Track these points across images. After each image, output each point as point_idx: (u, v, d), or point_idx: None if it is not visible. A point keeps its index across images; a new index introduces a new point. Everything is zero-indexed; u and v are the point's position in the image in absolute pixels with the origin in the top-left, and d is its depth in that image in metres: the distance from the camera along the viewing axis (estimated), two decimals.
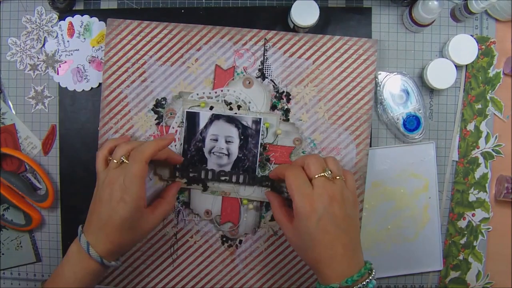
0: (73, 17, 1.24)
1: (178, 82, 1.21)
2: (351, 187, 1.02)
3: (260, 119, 1.20)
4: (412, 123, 1.22)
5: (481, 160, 1.27)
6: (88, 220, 1.05)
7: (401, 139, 1.24)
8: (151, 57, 1.21)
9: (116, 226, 1.01)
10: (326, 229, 0.95)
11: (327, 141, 1.21)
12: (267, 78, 1.21)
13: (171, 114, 1.21)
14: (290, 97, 1.21)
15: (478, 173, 1.27)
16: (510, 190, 1.23)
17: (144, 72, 1.21)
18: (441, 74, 1.20)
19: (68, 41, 1.24)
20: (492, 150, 1.26)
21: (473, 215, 1.28)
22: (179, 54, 1.21)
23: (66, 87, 1.24)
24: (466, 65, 1.24)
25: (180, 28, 1.21)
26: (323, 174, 0.99)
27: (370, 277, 0.94)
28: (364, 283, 0.93)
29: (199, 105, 1.20)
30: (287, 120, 1.21)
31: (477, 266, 1.28)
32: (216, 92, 1.21)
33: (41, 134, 1.26)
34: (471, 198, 1.27)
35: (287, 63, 1.21)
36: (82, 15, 1.24)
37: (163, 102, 1.21)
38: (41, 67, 1.23)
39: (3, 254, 1.26)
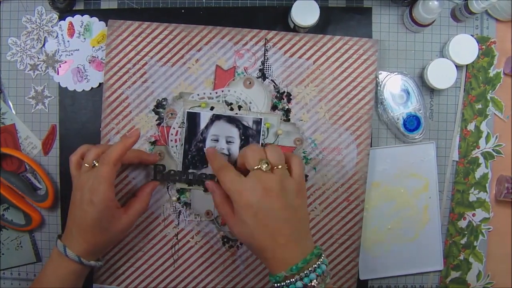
0: (73, 17, 1.24)
1: (179, 82, 1.21)
2: (295, 175, 1.00)
3: (261, 119, 1.20)
4: (412, 123, 1.22)
5: (481, 160, 1.27)
6: (66, 224, 1.08)
7: (401, 139, 1.25)
8: (152, 58, 1.21)
9: (88, 227, 1.04)
10: (264, 222, 0.95)
11: (328, 141, 1.21)
12: (267, 78, 1.21)
13: (171, 115, 1.21)
14: (291, 97, 1.21)
15: (478, 173, 1.27)
16: (510, 190, 1.23)
17: (145, 73, 1.21)
18: (442, 74, 1.20)
19: (68, 41, 1.24)
20: (493, 150, 1.27)
21: (474, 215, 1.28)
22: (179, 54, 1.21)
23: (66, 87, 1.24)
24: (467, 65, 1.24)
25: (180, 29, 1.21)
26: (258, 166, 0.98)
27: (319, 262, 0.93)
28: (311, 268, 0.92)
29: (199, 106, 1.20)
30: (288, 120, 1.21)
31: (477, 266, 1.28)
32: (216, 93, 1.21)
33: (41, 134, 1.26)
34: (472, 198, 1.27)
35: (288, 63, 1.21)
36: (82, 15, 1.24)
37: (164, 103, 1.21)
38: (41, 67, 1.23)
39: (3, 254, 1.26)
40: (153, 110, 1.22)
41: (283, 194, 0.96)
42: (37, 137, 1.26)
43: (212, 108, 1.20)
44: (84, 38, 1.23)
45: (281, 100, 1.21)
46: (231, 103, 1.21)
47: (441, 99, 1.26)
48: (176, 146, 1.21)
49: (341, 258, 1.23)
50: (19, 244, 1.26)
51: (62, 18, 1.24)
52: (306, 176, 1.22)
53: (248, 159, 1.00)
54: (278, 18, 1.24)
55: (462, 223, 1.28)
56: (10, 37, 1.24)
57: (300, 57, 1.22)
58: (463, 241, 1.28)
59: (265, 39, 1.21)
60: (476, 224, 1.28)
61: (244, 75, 1.21)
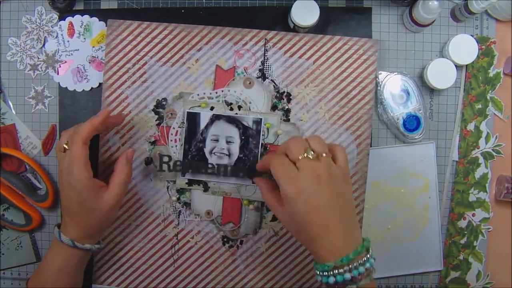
0: (73, 17, 1.24)
1: (179, 82, 1.21)
2: (341, 163, 0.99)
3: (261, 119, 1.20)
4: (412, 123, 1.22)
5: (481, 160, 1.27)
6: (61, 213, 1.10)
7: (401, 139, 1.25)
8: (151, 57, 1.21)
9: (75, 211, 1.05)
10: (315, 210, 0.93)
11: (327, 141, 1.21)
12: (267, 78, 1.22)
13: (171, 115, 1.21)
14: (291, 97, 1.21)
15: (478, 173, 1.28)
16: (510, 190, 1.23)
17: (144, 72, 1.21)
18: (441, 74, 1.20)
19: (68, 41, 1.24)
20: (492, 150, 1.27)
21: (473, 215, 1.28)
22: (179, 54, 1.21)
23: (66, 87, 1.24)
24: (466, 65, 1.24)
25: (180, 29, 1.21)
26: (305, 154, 0.96)
27: (368, 255, 0.93)
28: (361, 261, 0.92)
29: (199, 106, 1.20)
30: (288, 120, 1.21)
31: (477, 266, 1.28)
32: (216, 93, 1.21)
33: (41, 134, 1.26)
34: (471, 198, 1.27)
35: (288, 63, 1.21)
36: (82, 15, 1.24)
37: (164, 103, 1.21)
38: (41, 67, 1.23)
39: (3, 254, 1.26)
40: (153, 110, 1.22)
41: (332, 181, 0.95)
42: (37, 137, 1.25)
43: (212, 108, 1.21)
44: (84, 38, 1.23)
45: (281, 100, 1.21)
46: (231, 103, 1.21)
47: (441, 99, 1.26)
48: (176, 146, 1.21)
49: None
50: (19, 244, 1.26)
51: (62, 18, 1.24)
52: None
53: (292, 150, 0.98)
54: (278, 18, 1.24)
55: (462, 223, 1.28)
56: (10, 37, 1.24)
57: (300, 57, 1.22)
58: (462, 241, 1.28)
59: (265, 39, 1.21)
60: (476, 224, 1.28)
61: (244, 75, 1.21)
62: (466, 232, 1.28)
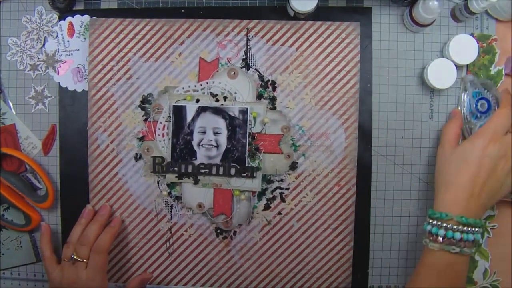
0: (73, 17, 1.24)
1: (163, 77, 1.22)
2: None
3: (247, 108, 1.19)
4: None
5: None
6: None
7: None
8: (135, 54, 1.22)
9: None
10: (481, 169, 1.01)
11: (315, 127, 1.21)
12: (251, 67, 1.21)
13: (158, 110, 1.21)
14: (276, 85, 1.21)
15: None
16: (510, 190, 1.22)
17: (129, 69, 1.22)
18: (442, 74, 1.19)
19: (68, 41, 1.25)
20: None
21: None
22: (162, 49, 1.22)
23: (66, 87, 1.25)
24: (467, 65, 1.23)
25: (162, 24, 1.22)
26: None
27: (479, 230, 1.00)
28: (473, 230, 0.99)
29: (185, 99, 1.21)
30: (274, 108, 1.21)
31: (483, 264, 1.26)
32: (201, 85, 1.21)
33: (41, 134, 1.26)
34: None
35: (271, 52, 1.21)
36: (82, 15, 1.24)
37: (150, 98, 1.22)
38: (41, 67, 1.24)
39: (3, 254, 1.27)
40: (139, 106, 1.22)
41: (507, 171, 1.04)
42: (37, 137, 1.26)
43: (197, 101, 1.21)
44: (84, 38, 1.24)
45: (266, 89, 1.21)
46: (216, 94, 1.21)
47: (441, 99, 1.25)
48: (164, 140, 1.22)
49: (335, 243, 1.23)
50: (19, 244, 1.27)
51: (62, 18, 1.25)
52: (296, 163, 1.22)
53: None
54: (277, 18, 1.23)
55: None
56: (10, 37, 1.25)
57: (282, 44, 1.21)
58: None
59: (247, 28, 1.21)
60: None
61: (228, 66, 1.21)
62: None
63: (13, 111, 1.26)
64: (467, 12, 1.18)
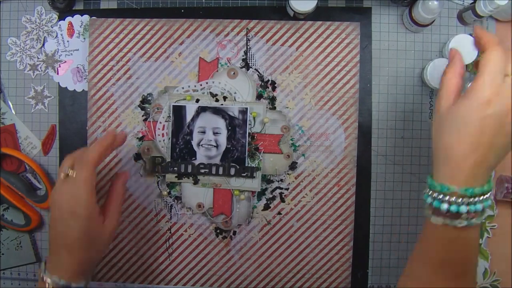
0: (73, 17, 1.25)
1: (163, 77, 1.22)
2: None
3: (247, 108, 1.20)
4: None
5: None
6: (49, 250, 1.01)
7: None
8: (134, 54, 1.22)
9: (76, 243, 0.96)
10: (484, 130, 0.84)
11: (315, 127, 1.21)
12: (251, 67, 1.22)
13: (157, 109, 1.21)
14: (276, 85, 1.21)
15: None
16: (510, 190, 1.21)
17: (128, 69, 1.22)
18: (441, 74, 1.18)
19: (68, 41, 1.25)
20: None
21: None
22: (162, 49, 1.22)
23: (66, 87, 1.25)
24: (467, 65, 1.23)
25: (162, 23, 1.22)
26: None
27: (488, 195, 0.86)
28: (480, 199, 0.84)
29: (185, 99, 1.21)
30: (274, 108, 1.22)
31: (483, 264, 1.26)
32: (201, 85, 1.21)
33: (41, 134, 1.26)
34: None
35: (271, 52, 1.22)
36: (82, 15, 1.25)
37: (149, 98, 1.22)
38: (41, 67, 1.25)
39: (3, 254, 1.27)
40: (139, 105, 1.23)
41: None
42: (37, 137, 1.26)
43: (197, 101, 1.21)
44: (84, 38, 1.24)
45: (266, 89, 1.21)
46: (216, 94, 1.21)
47: None
48: (164, 140, 1.22)
49: (334, 243, 1.23)
50: (19, 244, 1.27)
51: (61, 18, 1.25)
52: (295, 163, 1.22)
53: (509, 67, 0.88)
54: (277, 18, 1.24)
55: None
56: (10, 37, 1.25)
57: (282, 44, 1.22)
58: None
59: (247, 28, 1.21)
60: (481, 222, 1.26)
61: (228, 66, 1.22)
62: None
63: (13, 111, 1.26)
64: (475, 15, 1.17)
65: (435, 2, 1.13)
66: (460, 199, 0.84)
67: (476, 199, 0.84)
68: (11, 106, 1.26)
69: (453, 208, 0.84)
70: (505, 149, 0.88)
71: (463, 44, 1.17)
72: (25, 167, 1.26)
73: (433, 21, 1.20)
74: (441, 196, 0.85)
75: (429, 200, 0.88)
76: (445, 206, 0.84)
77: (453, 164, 0.86)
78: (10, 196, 1.23)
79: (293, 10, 1.17)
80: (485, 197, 0.85)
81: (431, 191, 0.88)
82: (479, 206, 0.84)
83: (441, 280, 0.89)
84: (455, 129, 0.87)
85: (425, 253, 0.92)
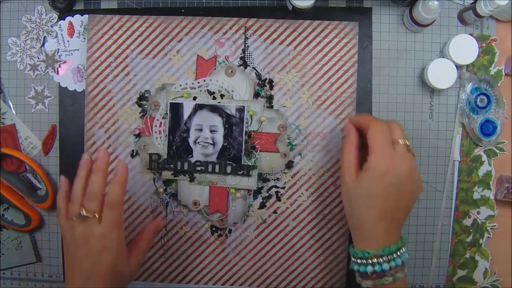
0: (73, 16, 1.25)
1: (161, 74, 1.22)
2: None
3: (244, 107, 1.19)
4: (488, 127, 1.21)
5: (484, 157, 1.25)
6: (70, 283, 1.00)
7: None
8: (133, 50, 1.22)
9: (105, 275, 0.98)
10: (387, 197, 0.95)
11: (312, 126, 1.21)
12: (249, 66, 1.22)
13: (155, 106, 1.22)
14: (273, 83, 1.21)
15: (481, 171, 1.25)
16: (510, 190, 1.20)
17: (126, 66, 1.22)
18: (442, 74, 1.19)
19: (68, 41, 1.25)
20: (495, 147, 1.24)
21: (478, 213, 1.26)
22: (160, 46, 1.22)
23: (66, 87, 1.25)
24: (467, 65, 1.22)
25: (160, 21, 1.22)
26: (406, 142, 0.98)
27: (403, 249, 0.96)
28: (398, 254, 0.95)
29: (182, 96, 1.21)
30: (271, 107, 1.21)
31: (484, 264, 1.25)
32: (198, 82, 1.21)
33: (41, 134, 1.27)
34: (476, 196, 1.25)
35: (269, 50, 1.21)
36: (82, 15, 1.25)
37: (147, 95, 1.22)
38: (41, 67, 1.25)
39: (3, 254, 1.27)
40: (136, 102, 1.23)
41: (414, 181, 1.00)
42: (37, 137, 1.27)
43: (194, 98, 1.21)
44: (84, 38, 1.24)
45: (263, 87, 1.21)
46: (214, 92, 1.21)
47: (441, 99, 1.25)
48: (161, 137, 1.22)
49: (330, 242, 1.23)
50: (19, 244, 1.27)
51: (61, 17, 1.25)
52: (292, 162, 1.22)
53: (396, 131, 1.00)
54: (276, 17, 1.23)
55: (467, 221, 1.25)
56: (10, 37, 1.26)
57: (280, 43, 1.21)
58: (468, 239, 1.26)
59: (245, 27, 1.21)
60: (481, 222, 1.25)
61: (226, 64, 1.22)
62: (471, 230, 1.26)
63: (13, 111, 1.27)
64: (475, 15, 1.17)
65: (435, 2, 1.12)
66: (381, 258, 0.95)
67: (395, 255, 0.95)
68: (11, 106, 1.27)
69: (377, 268, 0.95)
70: (410, 206, 1.01)
71: (463, 44, 1.17)
72: (25, 167, 1.27)
73: (434, 21, 1.19)
74: (364, 261, 0.96)
75: (355, 267, 0.98)
76: (370, 268, 0.95)
77: (367, 232, 0.98)
78: (11, 196, 1.23)
79: (292, 5, 1.16)
80: (402, 251, 0.96)
81: (355, 259, 0.99)
82: (398, 261, 0.95)
83: None
84: (362, 200, 0.97)
85: None
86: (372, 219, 0.96)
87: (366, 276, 0.96)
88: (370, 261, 0.95)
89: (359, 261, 0.97)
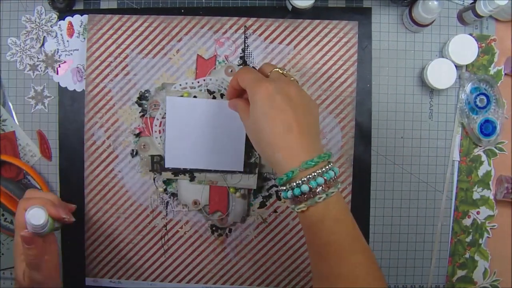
0: (72, 16, 1.25)
1: (161, 73, 1.22)
2: None
3: None
4: (487, 127, 1.22)
5: (484, 157, 1.25)
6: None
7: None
8: (133, 50, 1.22)
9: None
10: (281, 107, 0.89)
11: None
12: (249, 65, 1.22)
13: (155, 106, 1.21)
14: None
15: (481, 171, 1.26)
16: (510, 190, 1.21)
17: (126, 65, 1.22)
18: (441, 74, 1.19)
19: (67, 41, 1.25)
20: (495, 147, 1.24)
21: (478, 213, 1.26)
22: (160, 46, 1.22)
23: (66, 87, 1.25)
24: (466, 65, 1.23)
25: (160, 20, 1.22)
26: (279, 70, 0.96)
27: (328, 167, 0.87)
28: (324, 169, 0.86)
29: (182, 96, 1.20)
30: None
31: (483, 264, 1.26)
32: (198, 82, 1.21)
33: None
34: (475, 196, 1.26)
35: (268, 50, 1.22)
36: (81, 15, 1.25)
37: (147, 95, 1.22)
38: (40, 67, 1.25)
39: (3, 254, 1.28)
40: (136, 102, 1.23)
41: (301, 92, 0.94)
42: (36, 145, 1.27)
43: (194, 97, 1.20)
44: (84, 38, 1.24)
45: None
46: (213, 92, 1.21)
47: (441, 99, 1.25)
48: (161, 136, 1.22)
49: None
50: None
51: (61, 18, 1.25)
52: None
53: (264, 68, 1.00)
54: (276, 16, 1.24)
55: (467, 221, 1.26)
56: (9, 37, 1.26)
57: (280, 42, 1.22)
58: (468, 239, 1.26)
59: (245, 26, 1.21)
60: (481, 221, 1.25)
61: (225, 63, 1.22)
62: (471, 230, 1.26)
63: (15, 119, 1.26)
64: (475, 15, 1.17)
65: (435, 2, 1.12)
66: (298, 180, 0.86)
67: (323, 169, 0.86)
68: (14, 114, 1.26)
69: (296, 191, 0.86)
70: (310, 111, 0.93)
71: (462, 44, 1.17)
72: (24, 174, 1.26)
73: (433, 21, 1.20)
74: (293, 184, 0.86)
75: (287, 194, 0.89)
76: (289, 193, 0.88)
77: (282, 151, 0.89)
78: (9, 203, 1.22)
79: (292, 5, 1.17)
80: (331, 165, 0.88)
81: (283, 187, 0.89)
82: (330, 173, 0.87)
83: (320, 263, 0.91)
84: (261, 127, 0.90)
85: (308, 243, 0.93)
86: (277, 130, 0.88)
87: (297, 200, 0.87)
88: (298, 181, 0.85)
89: (288, 185, 0.87)
